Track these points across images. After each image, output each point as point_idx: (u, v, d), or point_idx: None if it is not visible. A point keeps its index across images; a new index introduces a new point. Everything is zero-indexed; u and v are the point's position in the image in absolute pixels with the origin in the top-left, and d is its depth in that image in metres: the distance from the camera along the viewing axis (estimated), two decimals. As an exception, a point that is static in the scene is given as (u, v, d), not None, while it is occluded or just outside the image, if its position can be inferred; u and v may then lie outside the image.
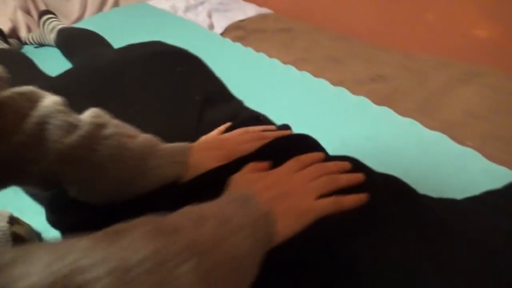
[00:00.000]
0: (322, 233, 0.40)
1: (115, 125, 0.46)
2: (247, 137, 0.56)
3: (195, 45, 0.97)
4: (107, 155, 0.44)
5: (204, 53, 0.94)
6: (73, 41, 1.21)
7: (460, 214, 0.51)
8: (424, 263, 0.40)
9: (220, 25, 1.44)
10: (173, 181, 0.48)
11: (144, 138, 0.48)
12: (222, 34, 1.39)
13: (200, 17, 1.53)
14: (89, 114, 0.46)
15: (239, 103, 0.79)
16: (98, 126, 0.45)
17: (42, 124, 0.41)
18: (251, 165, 0.48)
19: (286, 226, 0.39)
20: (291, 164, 0.47)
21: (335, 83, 1.01)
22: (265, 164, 0.48)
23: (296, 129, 0.64)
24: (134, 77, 0.76)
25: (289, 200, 0.41)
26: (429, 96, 0.96)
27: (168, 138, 0.52)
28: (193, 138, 0.57)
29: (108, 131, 0.45)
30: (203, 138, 0.58)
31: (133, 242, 0.27)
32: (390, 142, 0.79)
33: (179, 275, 0.27)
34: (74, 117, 0.44)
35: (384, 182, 0.49)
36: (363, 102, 0.92)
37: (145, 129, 0.51)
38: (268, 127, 0.63)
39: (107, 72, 0.78)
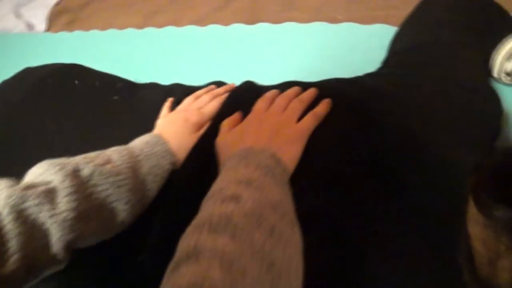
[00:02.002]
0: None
1: (84, 162, 0.41)
2: (204, 99, 0.57)
3: (32, 60, 0.82)
4: (103, 191, 0.40)
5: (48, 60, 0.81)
6: None
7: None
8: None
9: (39, 20, 1.23)
10: (172, 172, 0.48)
11: (117, 154, 0.45)
12: (49, 29, 1.19)
13: (8, 22, 1.28)
14: (47, 169, 0.39)
15: (152, 84, 0.72)
16: (71, 175, 0.39)
17: (18, 216, 0.35)
18: (226, 123, 0.50)
19: (291, 156, 0.43)
20: (259, 105, 0.50)
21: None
22: (236, 116, 0.51)
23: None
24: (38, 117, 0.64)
25: (278, 134, 0.45)
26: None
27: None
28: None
29: (84, 171, 0.40)
30: (160, 120, 0.56)
31: None
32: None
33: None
34: (40, 184, 0.38)
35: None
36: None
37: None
38: (208, 87, 0.63)
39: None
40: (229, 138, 0.47)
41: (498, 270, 0.29)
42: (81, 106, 0.63)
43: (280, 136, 0.44)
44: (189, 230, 0.32)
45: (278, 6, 0.96)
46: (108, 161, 0.43)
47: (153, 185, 0.45)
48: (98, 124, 0.60)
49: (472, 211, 0.31)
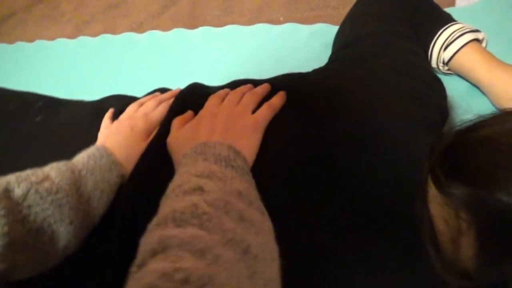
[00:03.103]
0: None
1: (15, 181, 0.36)
2: (149, 105, 0.54)
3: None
4: (40, 213, 0.35)
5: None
6: None
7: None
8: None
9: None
10: (120, 186, 0.44)
11: (55, 170, 0.40)
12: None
13: None
14: None
15: (76, 101, 0.66)
16: (2, 196, 0.34)
17: None
18: (177, 121, 0.47)
19: (249, 147, 0.41)
20: (211, 101, 0.47)
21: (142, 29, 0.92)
22: (187, 114, 0.48)
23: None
24: None
25: (234, 126, 0.42)
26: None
27: None
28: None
29: (16, 191, 0.35)
30: (102, 132, 0.52)
31: None
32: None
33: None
34: None
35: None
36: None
37: None
38: (152, 95, 0.59)
39: None
40: (181, 135, 0.44)
41: (461, 248, 0.29)
42: None
43: (236, 128, 0.42)
44: (150, 229, 0.29)
45: (218, 11, 0.95)
46: (45, 178, 0.38)
47: (99, 202, 0.41)
48: (16, 152, 0.54)
49: (432, 191, 0.32)
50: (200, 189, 0.32)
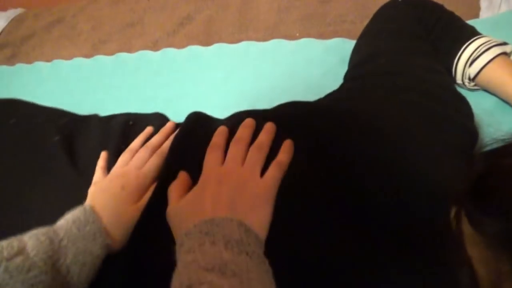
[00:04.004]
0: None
1: None
2: (141, 157, 0.50)
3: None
4: None
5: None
6: None
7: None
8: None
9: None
10: (105, 256, 0.41)
11: (34, 240, 0.37)
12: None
13: None
14: None
15: (95, 118, 0.65)
16: None
17: None
18: (174, 189, 0.42)
19: (261, 221, 0.37)
20: (210, 160, 0.42)
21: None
22: (183, 178, 0.43)
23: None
24: None
25: (242, 196, 0.38)
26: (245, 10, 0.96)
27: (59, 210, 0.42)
28: (80, 188, 0.48)
29: None
30: (92, 188, 0.48)
31: None
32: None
33: None
34: None
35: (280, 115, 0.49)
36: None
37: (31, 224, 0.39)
38: (144, 132, 0.56)
39: None
40: (182, 207, 0.39)
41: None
42: (15, 152, 0.55)
43: (245, 198, 0.37)
44: None
45: (232, 28, 0.94)
46: (20, 252, 0.35)
47: (79, 277, 0.37)
48: (32, 173, 0.53)
49: (467, 231, 0.28)
50: None
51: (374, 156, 0.41)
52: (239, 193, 0.38)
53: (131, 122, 0.59)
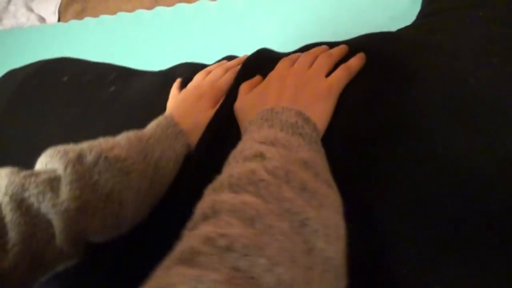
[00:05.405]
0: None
1: (88, 148, 0.37)
2: (216, 73, 0.52)
3: (46, 51, 0.80)
4: (110, 179, 0.36)
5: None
6: None
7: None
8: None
9: (50, 13, 1.21)
10: (186, 156, 0.44)
11: (125, 138, 0.41)
12: (60, 21, 1.17)
13: (20, 18, 1.27)
14: (52, 156, 0.36)
15: (148, 71, 0.67)
16: (74, 161, 0.35)
17: (19, 206, 0.32)
18: (245, 86, 0.44)
19: (320, 114, 0.38)
20: (281, 64, 0.44)
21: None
22: (256, 78, 0.45)
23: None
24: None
25: (305, 91, 0.39)
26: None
27: None
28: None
29: (88, 158, 0.36)
30: (170, 101, 0.51)
31: None
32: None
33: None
34: (44, 172, 0.34)
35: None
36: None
37: None
38: (220, 63, 0.57)
39: None
40: (248, 100, 0.42)
41: None
42: (71, 105, 0.58)
43: (306, 93, 0.39)
44: (206, 193, 0.28)
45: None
46: (115, 146, 0.39)
47: (165, 171, 0.41)
48: (91, 121, 0.55)
49: None
50: (261, 156, 0.29)
51: (448, 92, 0.37)
52: (301, 88, 0.39)
53: (198, 66, 0.60)
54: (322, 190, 0.29)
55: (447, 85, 0.38)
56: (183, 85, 0.53)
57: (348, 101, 0.39)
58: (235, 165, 0.30)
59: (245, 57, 0.55)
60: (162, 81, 0.56)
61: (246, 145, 0.32)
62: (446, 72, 0.39)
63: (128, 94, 0.57)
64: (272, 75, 0.43)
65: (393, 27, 0.55)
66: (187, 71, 0.56)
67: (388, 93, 0.39)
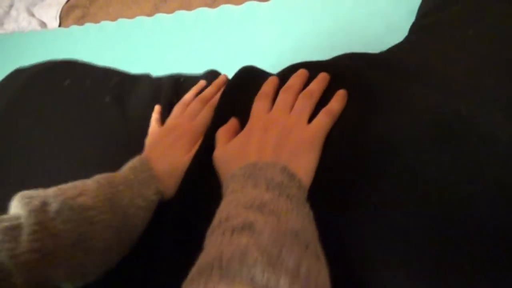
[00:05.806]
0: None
1: (53, 195, 0.37)
2: (194, 108, 0.50)
3: (46, 56, 0.81)
4: (75, 229, 0.35)
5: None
6: None
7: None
8: None
9: (51, 18, 1.22)
10: (160, 202, 0.43)
11: (95, 183, 0.40)
12: (61, 25, 1.18)
13: (21, 22, 1.28)
14: (18, 202, 0.36)
15: (147, 77, 0.68)
16: (37, 210, 0.35)
17: None
18: (221, 133, 0.42)
19: (305, 168, 0.36)
20: (258, 106, 0.42)
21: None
22: (232, 123, 0.43)
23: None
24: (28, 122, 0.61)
25: (288, 142, 0.37)
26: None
27: (106, 158, 0.46)
28: (130, 141, 0.51)
29: (52, 206, 0.35)
30: (149, 138, 0.50)
31: None
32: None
33: None
34: (7, 219, 0.34)
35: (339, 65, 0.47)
36: None
37: (79, 174, 0.42)
38: (197, 85, 0.56)
39: None
40: (229, 151, 0.40)
41: None
42: (70, 110, 0.58)
43: (289, 144, 0.37)
44: (194, 274, 0.26)
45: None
46: (82, 193, 0.37)
47: (135, 220, 0.39)
48: (86, 133, 0.55)
49: None
50: (249, 228, 0.28)
51: (434, 116, 0.37)
52: (284, 139, 0.38)
53: (182, 79, 0.60)
54: (314, 266, 0.28)
55: (434, 113, 0.38)
56: (164, 109, 0.53)
57: (330, 136, 0.39)
58: (222, 239, 0.28)
59: (220, 82, 0.55)
60: (151, 98, 0.56)
61: (231, 211, 0.31)
62: (433, 103, 0.39)
63: (125, 105, 0.57)
64: (252, 124, 0.41)
65: (389, 38, 0.56)
66: (170, 88, 0.56)
67: (368, 125, 0.39)
